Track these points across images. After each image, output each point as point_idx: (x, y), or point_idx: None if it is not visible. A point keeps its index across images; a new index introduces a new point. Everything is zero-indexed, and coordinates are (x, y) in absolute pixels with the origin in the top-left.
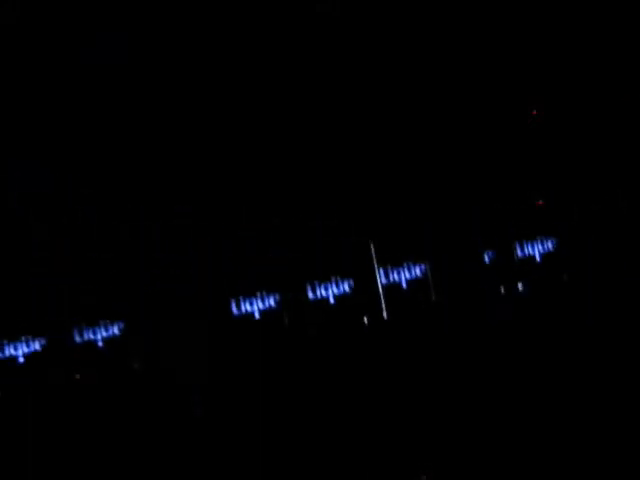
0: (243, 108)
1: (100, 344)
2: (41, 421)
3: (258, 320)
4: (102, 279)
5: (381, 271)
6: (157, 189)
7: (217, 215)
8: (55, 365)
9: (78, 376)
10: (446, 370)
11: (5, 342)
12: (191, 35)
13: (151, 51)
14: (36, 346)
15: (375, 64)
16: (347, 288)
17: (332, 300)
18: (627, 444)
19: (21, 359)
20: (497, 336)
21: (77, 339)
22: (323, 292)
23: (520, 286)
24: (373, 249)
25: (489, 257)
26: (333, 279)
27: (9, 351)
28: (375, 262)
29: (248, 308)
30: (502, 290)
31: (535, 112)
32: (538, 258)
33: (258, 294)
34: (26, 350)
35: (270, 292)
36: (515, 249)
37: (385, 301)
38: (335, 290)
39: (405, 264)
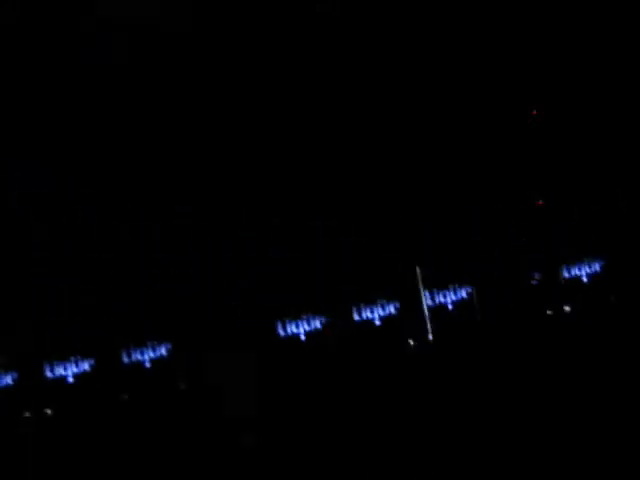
0: (243, 108)
1: (147, 365)
2: (88, 439)
3: (304, 342)
4: (104, 279)
5: (427, 294)
6: (157, 189)
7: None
8: (103, 385)
9: (125, 396)
10: (489, 390)
11: (55, 362)
12: (191, 35)
13: (151, 51)
14: (85, 366)
15: (375, 64)
16: (393, 310)
17: (378, 322)
18: None
19: (70, 379)
20: (542, 357)
21: (125, 360)
22: (369, 314)
23: (567, 307)
24: (419, 272)
25: (535, 279)
26: (379, 302)
27: (59, 371)
28: (421, 285)
29: (294, 330)
30: (548, 311)
31: (535, 112)
32: (585, 279)
33: (304, 317)
34: (75, 370)
35: (315, 315)
36: (561, 271)
37: (431, 323)
38: (381, 312)
39: (451, 287)
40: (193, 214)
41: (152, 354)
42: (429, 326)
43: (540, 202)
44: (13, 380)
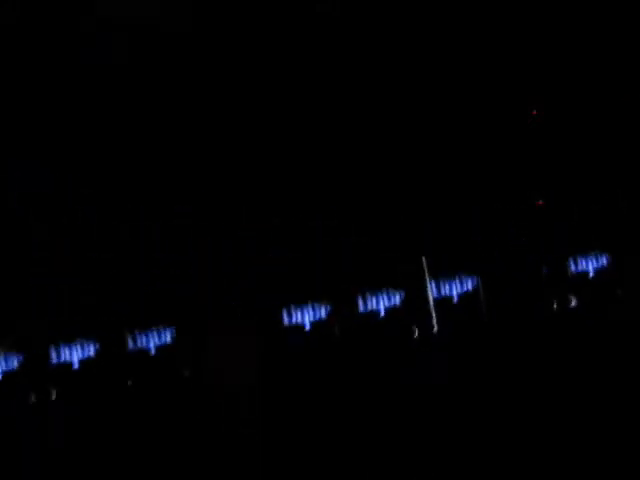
0: (243, 108)
1: (153, 351)
2: (91, 425)
3: (308, 330)
4: (104, 279)
5: (432, 284)
6: (157, 189)
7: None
8: (108, 370)
9: (130, 382)
10: (492, 383)
11: (61, 345)
12: (191, 35)
13: (151, 51)
14: (90, 351)
15: (375, 64)
16: (398, 300)
17: (382, 312)
18: None
19: (75, 363)
20: (547, 351)
21: (130, 345)
22: (374, 304)
23: (573, 301)
24: (425, 262)
25: (542, 272)
26: (385, 291)
27: (64, 355)
28: (427, 275)
29: (299, 318)
30: (555, 305)
31: (535, 112)
32: (592, 273)
33: (309, 303)
34: (80, 355)
35: (321, 302)
36: (569, 264)
37: (436, 314)
38: (386, 302)
39: (457, 277)
40: (193, 214)
41: (157, 339)
42: (434, 316)
43: (540, 202)
44: (19, 363)
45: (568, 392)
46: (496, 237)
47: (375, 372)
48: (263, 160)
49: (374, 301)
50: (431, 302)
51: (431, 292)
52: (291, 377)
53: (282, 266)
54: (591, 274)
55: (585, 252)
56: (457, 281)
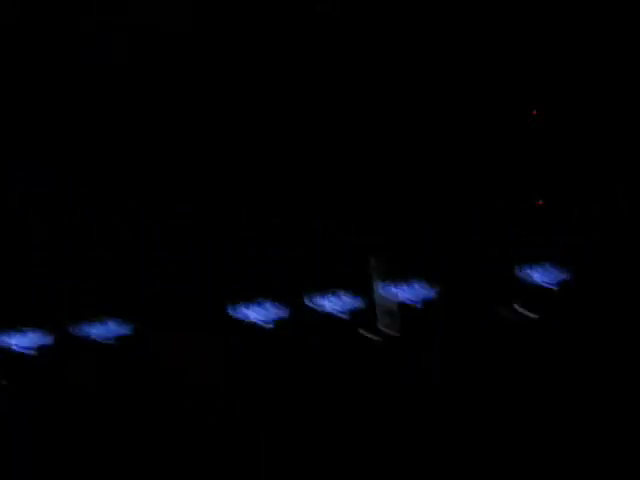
0: (243, 108)
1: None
2: (45, 419)
3: (259, 327)
4: (104, 279)
5: (383, 286)
6: (157, 189)
7: (220, 215)
8: (59, 360)
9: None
10: (448, 386)
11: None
12: (191, 35)
13: (151, 51)
14: (38, 338)
15: (375, 64)
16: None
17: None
18: None
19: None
20: (501, 355)
21: (76, 335)
22: (324, 303)
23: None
24: (375, 263)
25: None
26: (334, 291)
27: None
28: (377, 277)
29: (249, 314)
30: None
31: (535, 112)
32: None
33: (260, 300)
34: (27, 341)
35: (273, 299)
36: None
37: (388, 316)
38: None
39: (411, 280)
40: (193, 214)
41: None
42: (384, 319)
43: (540, 202)
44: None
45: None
46: (496, 237)
47: (324, 369)
48: (263, 160)
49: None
50: (383, 304)
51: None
52: (259, 377)
53: (281, 265)
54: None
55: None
56: (412, 284)
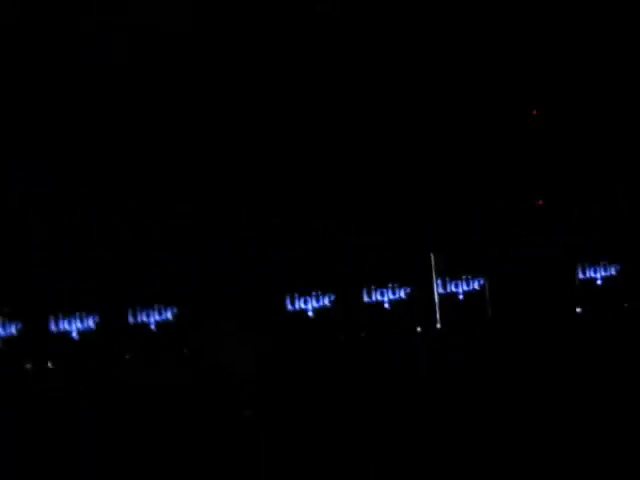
0: (243, 108)
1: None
2: (87, 395)
3: (311, 318)
4: (104, 279)
5: (439, 282)
6: (157, 189)
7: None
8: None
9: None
10: (492, 381)
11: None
12: (191, 35)
13: (151, 51)
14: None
15: (375, 64)
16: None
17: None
18: None
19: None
20: (550, 353)
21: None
22: (379, 297)
23: (579, 308)
24: (433, 260)
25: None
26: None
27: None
28: (434, 273)
29: (302, 306)
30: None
31: (535, 112)
32: (600, 281)
33: (313, 293)
34: (79, 326)
35: (325, 292)
36: (577, 271)
37: (440, 312)
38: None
39: (464, 277)
40: (193, 214)
41: (158, 317)
42: (438, 314)
43: (540, 202)
44: (17, 331)
45: (567, 394)
46: (496, 237)
47: (375, 362)
48: (263, 160)
49: (379, 294)
50: (436, 299)
51: (436, 289)
52: (292, 365)
53: (283, 265)
54: (599, 282)
55: (594, 260)
56: (463, 280)
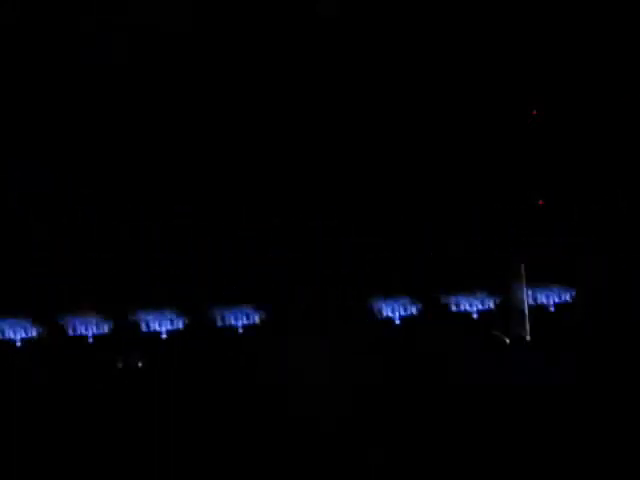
0: (243, 108)
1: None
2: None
3: (397, 325)
4: (104, 279)
5: (529, 292)
6: (157, 189)
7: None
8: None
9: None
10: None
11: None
12: (191, 35)
13: (151, 51)
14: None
15: (375, 64)
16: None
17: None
18: None
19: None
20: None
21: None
22: (467, 307)
23: None
24: (524, 269)
25: None
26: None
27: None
28: (524, 282)
29: (389, 313)
30: None
31: (535, 112)
32: None
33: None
34: (169, 327)
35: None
36: None
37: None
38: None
39: (554, 287)
40: (193, 214)
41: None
42: (528, 325)
43: (540, 202)
44: (109, 329)
45: None
46: (496, 237)
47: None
48: (263, 160)
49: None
50: (526, 310)
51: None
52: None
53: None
54: None
55: None
56: (554, 291)
